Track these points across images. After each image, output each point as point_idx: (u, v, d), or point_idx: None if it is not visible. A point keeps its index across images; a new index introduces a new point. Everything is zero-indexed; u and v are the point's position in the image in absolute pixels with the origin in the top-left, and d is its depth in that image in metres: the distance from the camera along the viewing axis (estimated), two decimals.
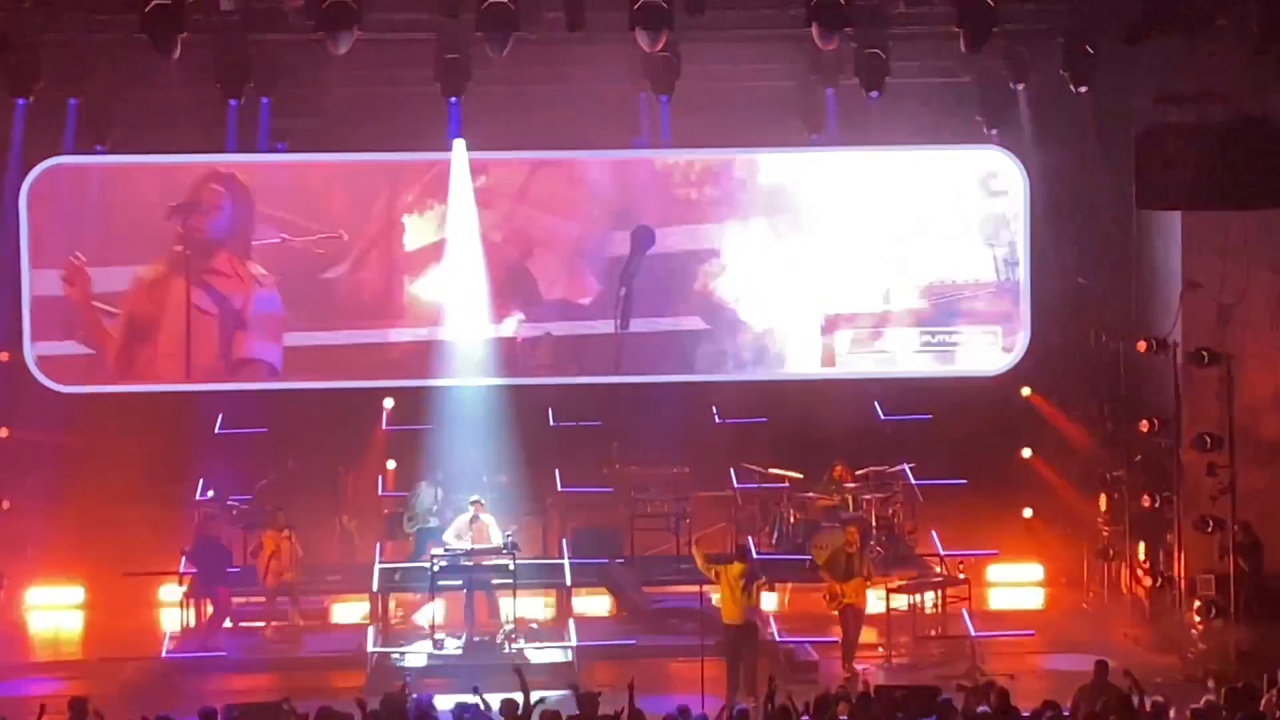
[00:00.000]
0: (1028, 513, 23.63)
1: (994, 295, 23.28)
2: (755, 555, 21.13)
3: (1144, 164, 21.09)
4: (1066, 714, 15.32)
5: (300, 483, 22.89)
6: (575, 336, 23.20)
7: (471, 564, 20.74)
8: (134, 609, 22.01)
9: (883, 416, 23.24)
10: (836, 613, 20.28)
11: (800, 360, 23.33)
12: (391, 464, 23.27)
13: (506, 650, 20.23)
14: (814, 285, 23.29)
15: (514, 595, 20.75)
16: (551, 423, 23.19)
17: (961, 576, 21.55)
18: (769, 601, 21.23)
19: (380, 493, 23.06)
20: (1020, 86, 21.75)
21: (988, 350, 23.38)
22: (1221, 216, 21.23)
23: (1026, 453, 23.72)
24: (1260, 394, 21.48)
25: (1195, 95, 20.82)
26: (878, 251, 23.24)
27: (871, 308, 23.28)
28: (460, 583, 20.79)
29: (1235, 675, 16.69)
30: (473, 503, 21.35)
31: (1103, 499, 23.27)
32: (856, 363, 23.29)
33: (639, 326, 23.18)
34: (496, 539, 21.02)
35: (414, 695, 15.77)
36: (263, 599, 21.61)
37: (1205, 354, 21.17)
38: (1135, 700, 15.34)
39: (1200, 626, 20.92)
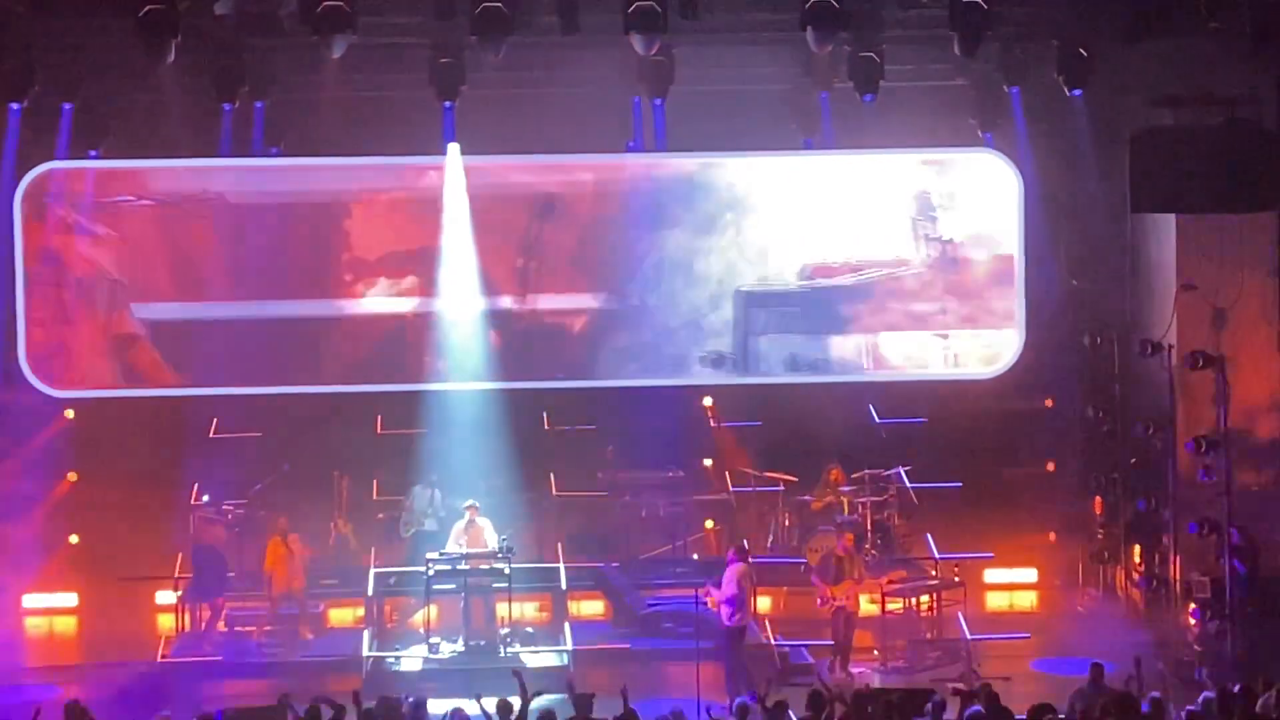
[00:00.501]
0: (1022, 515, 23.61)
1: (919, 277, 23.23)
2: (750, 559, 21.12)
3: (1138, 167, 21.14)
4: (1062, 717, 15.30)
5: (295, 487, 22.87)
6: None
7: (467, 568, 20.73)
8: (129, 614, 21.99)
9: (878, 420, 23.24)
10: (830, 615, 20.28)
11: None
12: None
13: (502, 654, 20.22)
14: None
15: (509, 599, 20.75)
16: (547, 426, 23.19)
17: (956, 579, 21.56)
18: (763, 604, 21.23)
19: (375, 497, 23.03)
20: (1014, 90, 21.76)
21: (982, 353, 23.40)
22: (1216, 219, 21.27)
23: (1020, 454, 23.72)
24: (1255, 396, 21.51)
25: (1189, 98, 20.85)
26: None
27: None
28: (456, 587, 20.77)
29: (1232, 677, 16.65)
30: (467, 506, 21.34)
31: (1098, 502, 23.29)
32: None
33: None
34: (492, 542, 21.01)
35: (409, 698, 15.77)
36: (266, 605, 21.56)
37: (1200, 356, 21.18)
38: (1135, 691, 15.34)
39: (1196, 629, 20.93)
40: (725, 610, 19.49)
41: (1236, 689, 15.66)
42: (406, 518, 22.47)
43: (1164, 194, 21.12)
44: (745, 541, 20.79)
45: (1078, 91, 20.57)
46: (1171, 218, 22.02)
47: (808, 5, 18.49)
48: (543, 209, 23.00)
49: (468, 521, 21.24)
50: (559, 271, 23.09)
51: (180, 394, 22.99)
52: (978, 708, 15.32)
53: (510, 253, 23.10)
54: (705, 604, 19.64)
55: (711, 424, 23.44)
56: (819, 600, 20.29)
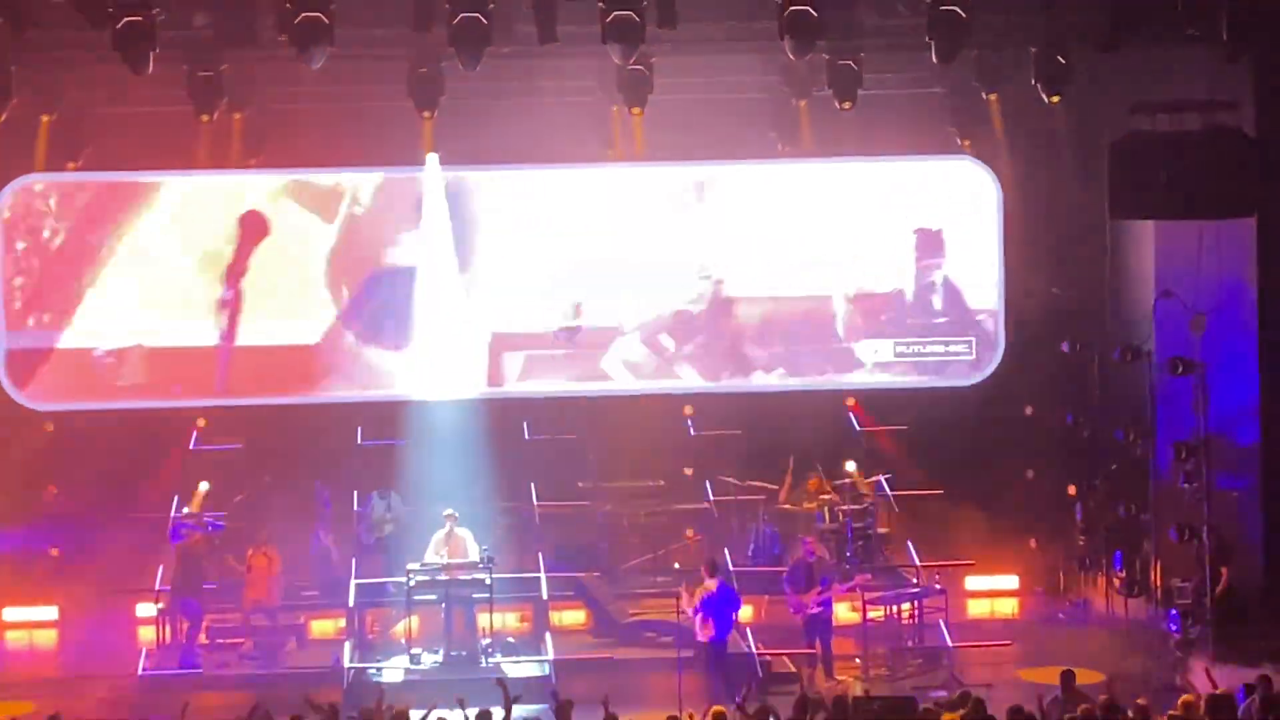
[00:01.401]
0: (1004, 522, 23.64)
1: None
2: (731, 568, 21.14)
3: (1117, 174, 21.18)
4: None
5: (277, 499, 22.84)
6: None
7: (448, 579, 20.69)
8: (110, 626, 21.93)
9: (859, 427, 23.25)
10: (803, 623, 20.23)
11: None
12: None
13: (484, 665, 20.19)
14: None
15: (491, 610, 20.72)
16: (527, 436, 23.18)
17: (938, 587, 21.57)
18: (745, 613, 21.20)
19: (356, 508, 22.99)
20: (993, 97, 21.80)
21: (963, 360, 23.43)
22: (1194, 225, 21.30)
23: (1002, 462, 23.74)
24: (1234, 401, 21.53)
25: (1168, 105, 20.89)
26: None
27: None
28: (437, 598, 20.74)
29: (1213, 682, 16.67)
30: (446, 515, 21.29)
31: (1079, 508, 23.31)
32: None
33: None
34: (473, 552, 20.98)
35: (389, 706, 15.75)
36: (242, 615, 21.51)
37: (1180, 362, 21.21)
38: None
39: (1177, 635, 20.95)
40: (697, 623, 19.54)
41: (1218, 694, 15.71)
42: (367, 525, 22.46)
43: (1143, 200, 21.15)
44: (717, 558, 20.77)
45: (1056, 98, 20.60)
46: (1150, 224, 22.09)
47: (785, 14, 18.50)
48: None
49: (447, 531, 21.20)
50: None
51: (160, 406, 22.95)
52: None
53: None
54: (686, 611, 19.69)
55: (692, 433, 23.43)
56: (791, 608, 20.27)
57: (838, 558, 22.29)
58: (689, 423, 23.36)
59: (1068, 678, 16.55)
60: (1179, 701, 15.44)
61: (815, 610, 20.15)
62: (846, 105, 20.98)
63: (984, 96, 21.80)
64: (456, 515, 21.30)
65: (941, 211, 23.38)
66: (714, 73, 21.56)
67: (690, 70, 21.14)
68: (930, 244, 23.41)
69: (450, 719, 15.63)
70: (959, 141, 23.04)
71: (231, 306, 23.07)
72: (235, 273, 22.99)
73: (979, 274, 23.36)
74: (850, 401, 23.63)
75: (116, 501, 22.42)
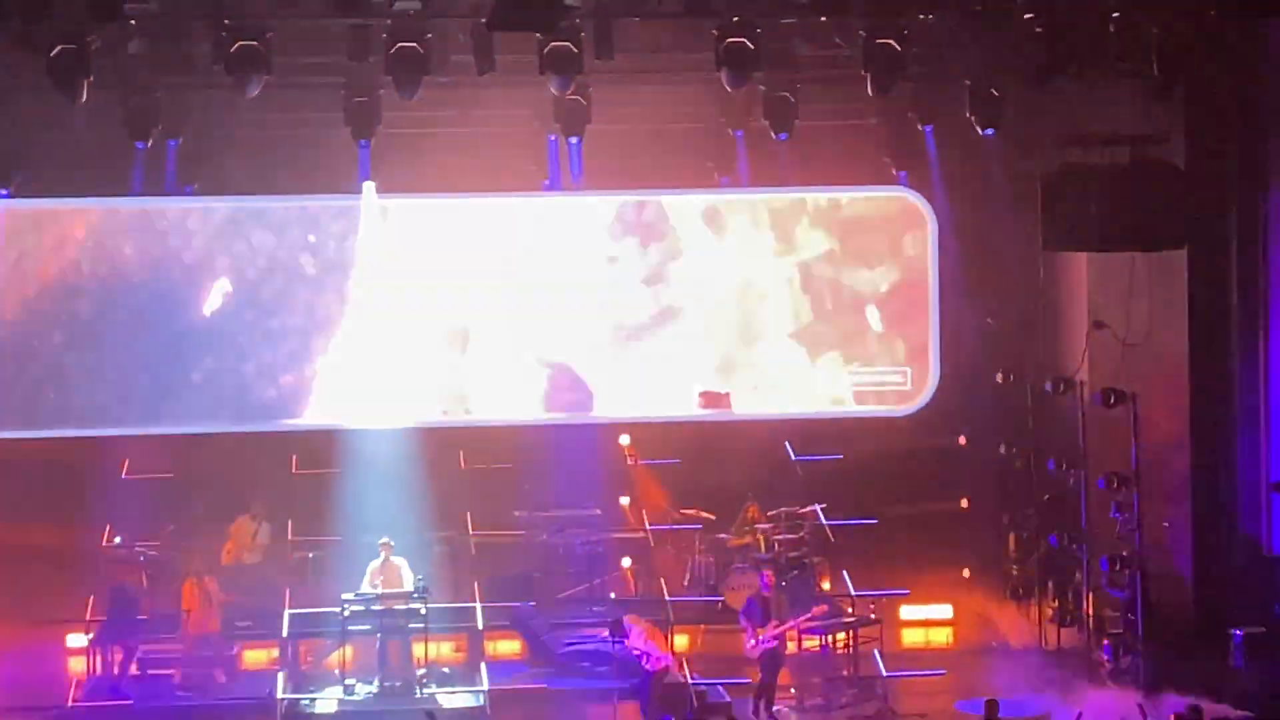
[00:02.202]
0: (938, 552, 23.74)
1: None
2: (666, 598, 21.15)
3: (1050, 205, 21.34)
4: None
5: (208, 528, 22.69)
6: None
7: (383, 609, 20.59)
8: (39, 657, 21.69)
9: (794, 457, 23.31)
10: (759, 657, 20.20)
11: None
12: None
13: (418, 695, 20.10)
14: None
15: (426, 640, 20.64)
16: (463, 465, 23.12)
17: (873, 616, 21.62)
18: (680, 643, 21.21)
19: (290, 537, 22.85)
20: (927, 129, 21.94)
21: (897, 390, 23.52)
22: (1126, 257, 21.49)
23: (936, 492, 23.85)
24: (1166, 433, 21.70)
25: (1098, 137, 21.07)
26: None
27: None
28: (371, 628, 20.64)
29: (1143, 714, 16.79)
30: (381, 545, 21.21)
31: (1011, 538, 23.41)
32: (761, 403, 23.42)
33: None
34: (408, 581, 20.90)
35: None
36: (181, 647, 21.33)
37: (1112, 393, 21.37)
38: None
39: (1109, 664, 21.08)
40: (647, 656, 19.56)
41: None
42: (228, 547, 22.34)
43: (1075, 232, 21.30)
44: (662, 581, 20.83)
45: (990, 131, 20.75)
46: (1083, 256, 22.24)
47: (722, 46, 18.60)
48: None
49: (383, 561, 21.11)
50: None
51: (90, 434, 22.77)
52: None
53: None
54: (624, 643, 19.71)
55: (629, 462, 23.42)
56: (749, 642, 20.19)
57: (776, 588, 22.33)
58: (626, 452, 23.35)
59: (992, 708, 16.61)
60: None
61: (771, 644, 20.10)
62: (783, 136, 21.09)
63: (919, 128, 21.93)
64: (391, 544, 21.22)
65: (876, 242, 23.46)
66: (651, 103, 21.61)
67: (628, 100, 21.18)
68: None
69: None
70: (894, 172, 23.17)
71: None
72: None
73: (913, 303, 23.45)
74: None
75: (47, 530, 22.18)
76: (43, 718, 19.99)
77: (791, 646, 21.00)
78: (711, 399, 23.32)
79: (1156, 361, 21.63)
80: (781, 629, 20.11)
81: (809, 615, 20.70)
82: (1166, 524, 21.74)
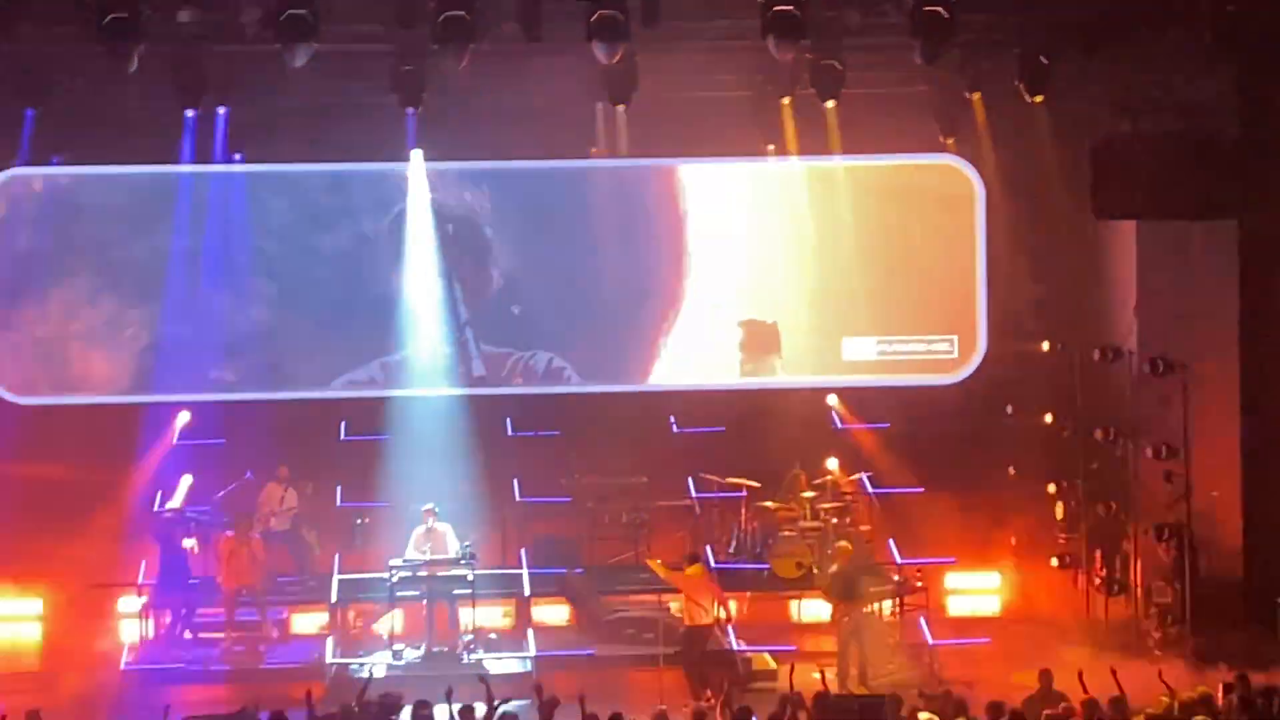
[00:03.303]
0: (985, 519, 23.73)
1: None
2: (713, 564, 21.18)
3: (1100, 174, 21.27)
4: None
5: (258, 493, 22.84)
6: None
7: (430, 574, 20.71)
8: (93, 621, 21.91)
9: (840, 425, 23.30)
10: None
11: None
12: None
13: (466, 660, 20.22)
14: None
15: (473, 605, 20.75)
16: (510, 433, 23.20)
17: (919, 584, 21.62)
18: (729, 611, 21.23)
19: (339, 503, 23.00)
20: (976, 96, 21.86)
21: (944, 359, 23.49)
22: (1177, 226, 21.39)
23: (983, 461, 23.82)
24: (1215, 402, 21.60)
25: (1150, 106, 20.96)
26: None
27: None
28: (419, 593, 20.77)
29: (1192, 682, 16.75)
30: (425, 511, 21.31)
31: (1059, 507, 23.37)
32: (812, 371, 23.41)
33: None
34: (453, 546, 21.02)
35: (376, 693, 15.86)
36: (224, 609, 21.52)
37: (1161, 362, 21.30)
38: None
39: (1157, 634, 21.05)
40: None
41: (1197, 695, 15.78)
42: (258, 515, 22.50)
43: (1125, 201, 21.24)
44: (698, 550, 20.85)
45: (1039, 98, 20.65)
46: (1133, 225, 22.14)
47: (769, 14, 18.55)
48: None
49: (428, 527, 21.21)
50: None
51: (143, 401, 22.94)
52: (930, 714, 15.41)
53: None
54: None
55: (675, 429, 23.45)
56: (834, 617, 20.14)
57: (819, 556, 22.35)
58: (672, 420, 23.39)
59: (1046, 677, 16.60)
60: (1161, 705, 15.56)
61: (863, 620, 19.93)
62: (830, 104, 21.05)
63: (967, 96, 21.86)
64: (436, 510, 21.32)
65: (925, 210, 23.40)
66: (698, 71, 21.58)
67: (674, 68, 21.16)
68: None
69: (437, 712, 15.70)
70: (942, 140, 23.10)
71: None
72: None
73: (961, 271, 23.39)
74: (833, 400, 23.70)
75: (100, 496, 22.38)
76: (96, 681, 20.15)
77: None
78: (754, 330, 23.26)
79: (1206, 330, 21.53)
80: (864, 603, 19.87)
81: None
82: (1215, 494, 21.66)
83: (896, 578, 21.79)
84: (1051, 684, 16.48)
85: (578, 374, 23.47)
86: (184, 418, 22.87)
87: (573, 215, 23.33)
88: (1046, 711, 15.57)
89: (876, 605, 20.87)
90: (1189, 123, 20.79)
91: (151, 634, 21.55)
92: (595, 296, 23.46)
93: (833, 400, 23.60)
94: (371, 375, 23.27)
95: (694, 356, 23.53)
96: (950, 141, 23.07)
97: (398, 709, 15.78)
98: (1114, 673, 15.86)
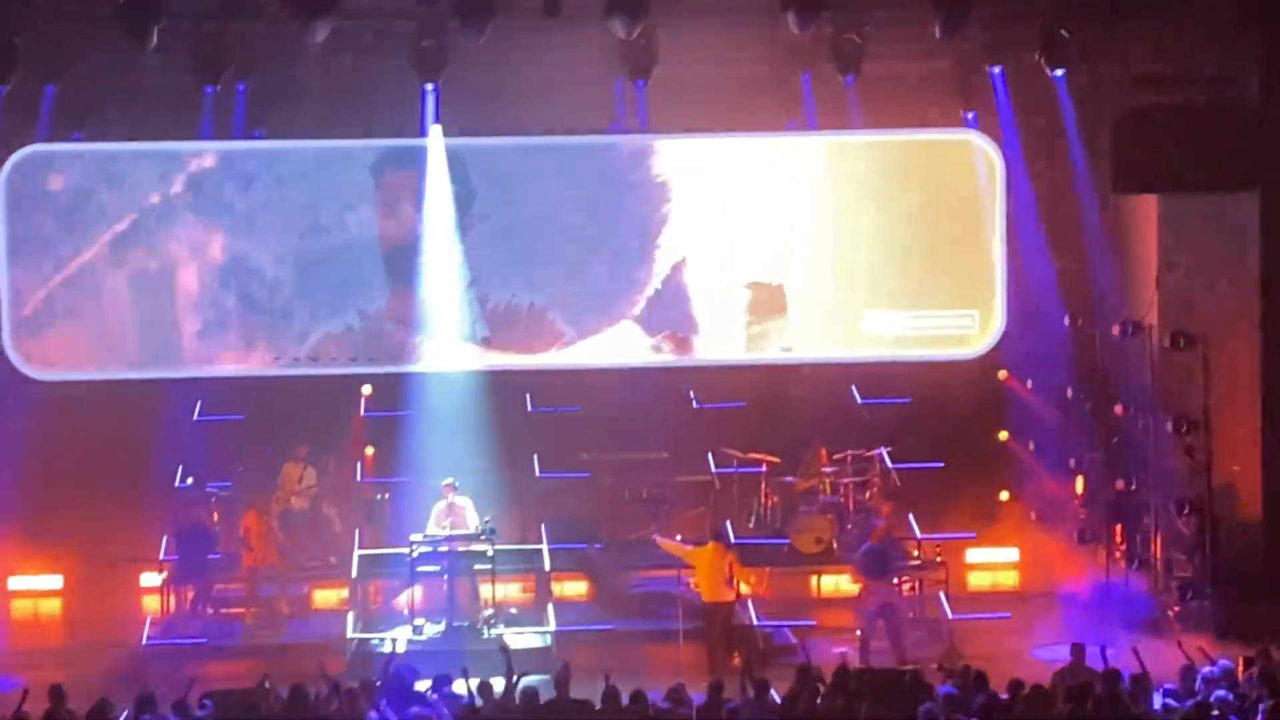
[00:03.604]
0: (1004, 496, 23.75)
1: None
2: (733, 540, 21.19)
3: (1120, 147, 21.21)
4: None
5: (277, 472, 22.90)
6: None
7: (449, 550, 20.76)
8: (114, 596, 22.01)
9: (860, 400, 23.29)
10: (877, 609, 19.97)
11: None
12: (370, 450, 23.27)
13: (486, 635, 20.27)
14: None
15: (493, 580, 20.80)
16: (529, 408, 23.22)
17: (938, 560, 21.62)
18: (747, 586, 21.24)
19: (359, 479, 23.05)
20: (996, 70, 21.79)
21: (964, 334, 23.45)
22: (1198, 199, 21.32)
23: (1003, 436, 23.82)
24: (1236, 376, 21.56)
25: (1171, 78, 20.90)
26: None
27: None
28: (439, 569, 20.82)
29: (1213, 656, 16.72)
30: (444, 486, 21.34)
31: (1079, 482, 23.35)
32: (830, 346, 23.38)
33: None
34: (474, 522, 21.06)
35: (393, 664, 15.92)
36: (244, 584, 21.59)
37: (1181, 337, 21.25)
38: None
39: (1177, 608, 21.03)
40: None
41: (1218, 666, 15.78)
42: (278, 495, 22.52)
43: (1146, 174, 21.20)
44: (718, 526, 20.88)
45: (1060, 72, 20.58)
46: (1153, 198, 22.09)
47: None
48: None
49: (448, 503, 21.25)
50: None
51: (163, 376, 22.99)
52: (949, 688, 15.41)
53: None
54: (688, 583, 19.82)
55: (695, 405, 23.46)
56: (863, 594, 20.10)
57: (839, 531, 22.37)
58: (692, 395, 23.39)
59: (1079, 651, 16.55)
60: (1179, 679, 15.56)
61: (891, 599, 19.96)
62: (850, 78, 21.00)
63: (988, 70, 21.80)
64: (456, 485, 21.35)
65: (945, 185, 23.35)
66: (717, 45, 21.55)
67: (694, 43, 21.13)
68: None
69: (457, 686, 15.76)
70: (962, 115, 23.04)
71: None
72: None
73: (981, 246, 23.35)
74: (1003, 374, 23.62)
75: (121, 471, 22.45)
76: (118, 656, 20.24)
77: (856, 589, 21.04)
78: (763, 293, 23.23)
79: (1227, 304, 21.48)
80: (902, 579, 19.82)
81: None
82: (1236, 468, 21.63)
83: (916, 553, 21.81)
84: (1083, 657, 16.43)
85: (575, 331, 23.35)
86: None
87: (583, 185, 23.24)
88: (1067, 682, 15.59)
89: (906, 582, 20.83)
90: (1210, 95, 20.72)
91: (173, 609, 21.64)
92: (601, 263, 23.36)
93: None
94: (348, 324, 23.16)
95: (702, 322, 23.44)
96: (970, 115, 23.00)
97: (406, 686, 15.81)
98: (1135, 651, 15.86)
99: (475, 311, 23.21)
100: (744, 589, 20.13)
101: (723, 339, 23.34)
